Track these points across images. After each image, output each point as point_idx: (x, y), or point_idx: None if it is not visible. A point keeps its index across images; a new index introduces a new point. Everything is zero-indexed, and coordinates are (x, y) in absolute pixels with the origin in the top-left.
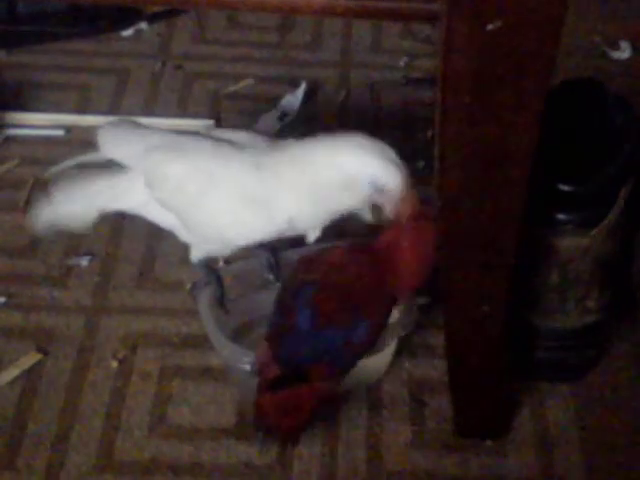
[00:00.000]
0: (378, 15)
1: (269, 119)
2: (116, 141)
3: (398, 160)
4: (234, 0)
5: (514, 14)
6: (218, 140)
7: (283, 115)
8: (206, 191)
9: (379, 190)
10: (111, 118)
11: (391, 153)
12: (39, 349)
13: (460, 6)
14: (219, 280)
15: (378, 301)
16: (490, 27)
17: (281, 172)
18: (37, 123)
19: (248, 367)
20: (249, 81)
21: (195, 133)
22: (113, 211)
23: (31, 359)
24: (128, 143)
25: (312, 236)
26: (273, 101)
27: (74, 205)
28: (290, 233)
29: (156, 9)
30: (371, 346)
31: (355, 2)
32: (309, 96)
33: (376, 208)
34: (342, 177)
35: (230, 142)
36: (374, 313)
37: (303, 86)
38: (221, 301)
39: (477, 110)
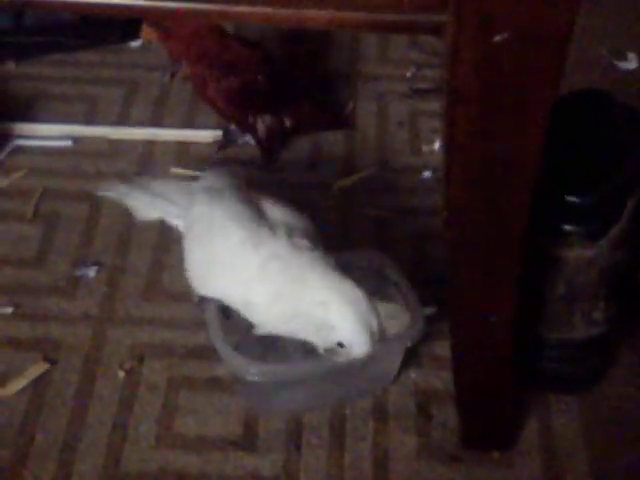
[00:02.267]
0: (386, 28)
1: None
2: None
3: (375, 328)
4: (242, 12)
5: (521, 26)
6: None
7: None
8: (212, 235)
9: (342, 346)
10: (119, 129)
11: (373, 320)
12: (46, 359)
13: (467, 18)
14: None
15: None
16: (497, 39)
17: (278, 272)
18: (45, 134)
19: (255, 378)
20: None
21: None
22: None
23: (38, 369)
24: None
25: (260, 332)
26: None
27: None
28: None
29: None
30: None
31: (362, 15)
32: None
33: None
34: (318, 321)
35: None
36: None
37: None
38: (226, 311)
39: (484, 121)
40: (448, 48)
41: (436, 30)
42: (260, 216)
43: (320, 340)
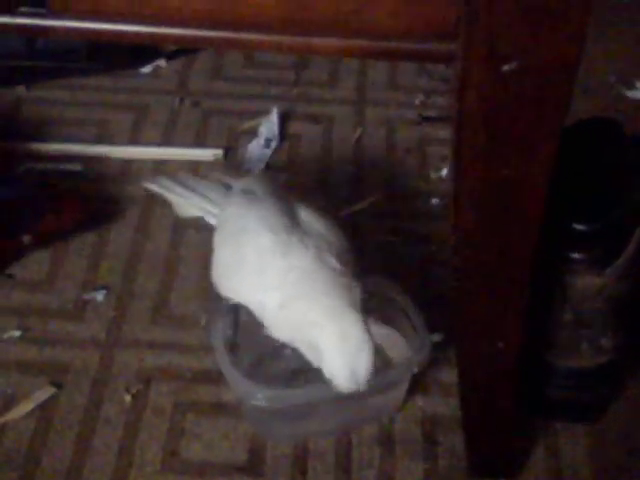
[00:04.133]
0: (394, 56)
1: (256, 148)
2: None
3: (364, 370)
4: (251, 40)
5: (530, 55)
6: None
7: (267, 141)
8: (241, 236)
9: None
10: (130, 149)
11: (363, 362)
12: (53, 383)
13: (475, 47)
14: (235, 314)
15: None
16: (505, 68)
17: (295, 281)
18: (55, 154)
19: (262, 403)
20: (265, 118)
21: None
22: None
23: (45, 393)
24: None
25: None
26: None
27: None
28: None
29: (174, 47)
30: None
31: (371, 43)
32: (283, 119)
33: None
34: (313, 341)
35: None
36: None
37: (275, 111)
38: (234, 337)
39: (492, 150)
40: (456, 76)
41: (445, 58)
42: (294, 224)
43: (312, 360)
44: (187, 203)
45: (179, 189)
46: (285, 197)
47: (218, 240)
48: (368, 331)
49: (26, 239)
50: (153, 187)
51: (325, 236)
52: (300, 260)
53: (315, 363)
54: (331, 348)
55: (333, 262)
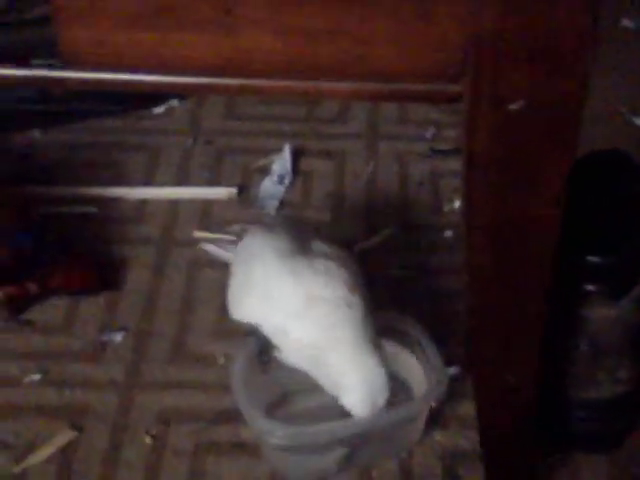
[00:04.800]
0: (402, 98)
1: (270, 185)
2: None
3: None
4: (262, 86)
5: (535, 94)
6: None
7: (280, 178)
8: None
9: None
10: (144, 190)
11: (382, 396)
12: (73, 426)
13: (482, 87)
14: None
15: None
16: (512, 107)
17: (321, 316)
18: (70, 197)
19: (282, 441)
20: (277, 155)
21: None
22: None
23: (65, 437)
24: None
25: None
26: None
27: None
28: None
29: None
30: None
31: (379, 86)
32: (296, 155)
33: None
34: (333, 382)
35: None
36: None
37: (287, 148)
38: (265, 357)
39: (502, 186)
40: (465, 115)
41: (453, 99)
42: (305, 251)
43: (327, 387)
44: None
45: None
46: (301, 229)
47: (232, 267)
48: (385, 365)
49: (32, 288)
50: (210, 248)
51: (337, 264)
52: (310, 285)
53: (329, 390)
54: (351, 386)
55: (345, 290)
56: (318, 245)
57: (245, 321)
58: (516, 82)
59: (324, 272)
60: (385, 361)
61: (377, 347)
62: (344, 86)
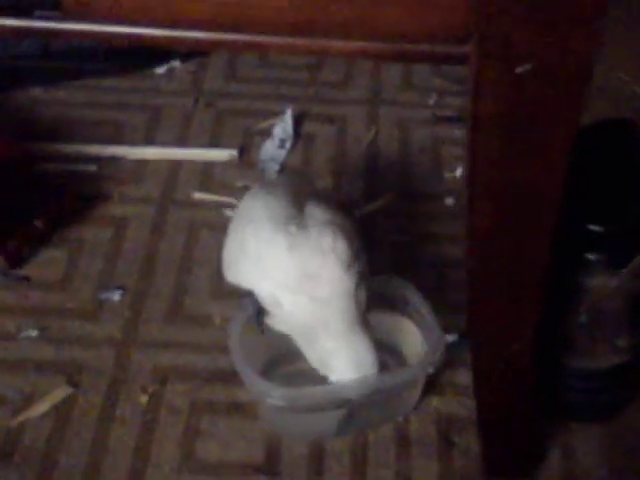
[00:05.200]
0: (409, 58)
1: (270, 149)
2: None
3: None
4: (268, 43)
5: (543, 57)
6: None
7: (282, 142)
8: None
9: None
10: (145, 150)
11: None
12: (70, 382)
13: (490, 49)
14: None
15: None
16: (519, 70)
17: (313, 286)
18: (70, 154)
19: (278, 402)
20: (279, 118)
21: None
22: None
23: (62, 392)
24: None
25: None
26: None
27: None
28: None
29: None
30: None
31: (386, 45)
32: (297, 119)
33: None
34: (324, 358)
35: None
36: None
37: (289, 111)
38: (261, 315)
39: (506, 152)
40: (471, 78)
41: (460, 60)
42: (299, 215)
43: (312, 360)
44: None
45: None
46: (301, 192)
47: (229, 230)
48: (374, 347)
49: (38, 223)
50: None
51: (333, 238)
52: (305, 262)
53: (318, 368)
54: (340, 368)
55: (339, 270)
56: (316, 212)
57: (238, 284)
58: (525, 44)
59: (320, 250)
60: (374, 341)
61: (367, 326)
62: (350, 45)
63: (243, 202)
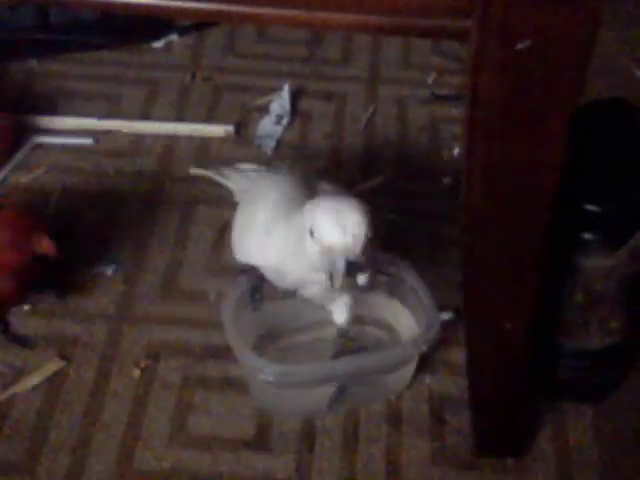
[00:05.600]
0: (409, 32)
1: (267, 125)
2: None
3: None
4: (265, 15)
5: (544, 33)
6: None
7: (279, 118)
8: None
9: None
10: (141, 124)
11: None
12: (62, 356)
13: (490, 24)
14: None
15: None
16: (520, 46)
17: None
18: (66, 128)
19: (270, 378)
20: (277, 94)
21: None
22: None
23: (54, 366)
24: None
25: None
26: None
27: None
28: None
29: (187, 22)
30: None
31: (386, 19)
32: (295, 96)
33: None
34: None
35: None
36: None
37: (287, 87)
38: (256, 293)
39: (505, 128)
40: (471, 54)
41: (460, 36)
42: (308, 192)
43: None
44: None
45: (235, 176)
46: (309, 175)
47: (239, 207)
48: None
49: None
50: (208, 173)
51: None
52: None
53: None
54: (321, 220)
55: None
56: (328, 189)
57: (246, 262)
58: (525, 20)
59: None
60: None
61: None
62: (349, 18)
63: (253, 183)
